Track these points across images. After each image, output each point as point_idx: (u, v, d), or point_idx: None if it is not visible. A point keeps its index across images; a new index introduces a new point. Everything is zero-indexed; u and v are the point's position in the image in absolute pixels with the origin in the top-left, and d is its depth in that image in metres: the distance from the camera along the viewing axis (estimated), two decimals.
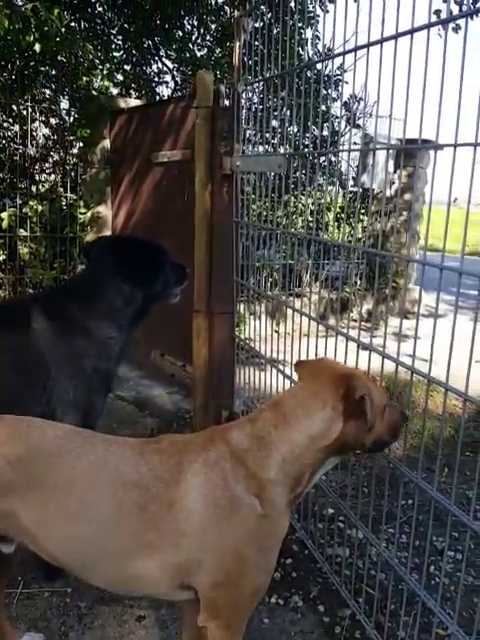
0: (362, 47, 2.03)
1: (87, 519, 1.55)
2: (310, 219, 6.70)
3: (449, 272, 1.71)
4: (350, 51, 2.12)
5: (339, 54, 2.29)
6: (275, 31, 2.65)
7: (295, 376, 1.91)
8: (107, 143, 5.16)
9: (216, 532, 1.52)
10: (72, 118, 5.55)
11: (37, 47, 4.01)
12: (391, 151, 6.74)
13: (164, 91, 7.40)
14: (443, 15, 2.01)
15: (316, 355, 2.42)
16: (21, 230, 5.21)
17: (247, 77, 2.86)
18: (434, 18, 1.73)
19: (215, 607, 1.56)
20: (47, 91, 5.79)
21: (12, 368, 2.40)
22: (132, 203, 4.65)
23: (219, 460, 1.56)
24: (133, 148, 4.56)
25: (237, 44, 2.87)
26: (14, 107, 5.36)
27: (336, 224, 7.74)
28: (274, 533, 1.61)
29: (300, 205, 6.85)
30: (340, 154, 7.50)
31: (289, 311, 2.99)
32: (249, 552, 1.55)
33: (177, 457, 1.58)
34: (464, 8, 6.41)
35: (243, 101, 3.00)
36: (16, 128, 5.46)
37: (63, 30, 4.23)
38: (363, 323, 7.85)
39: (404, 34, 1.78)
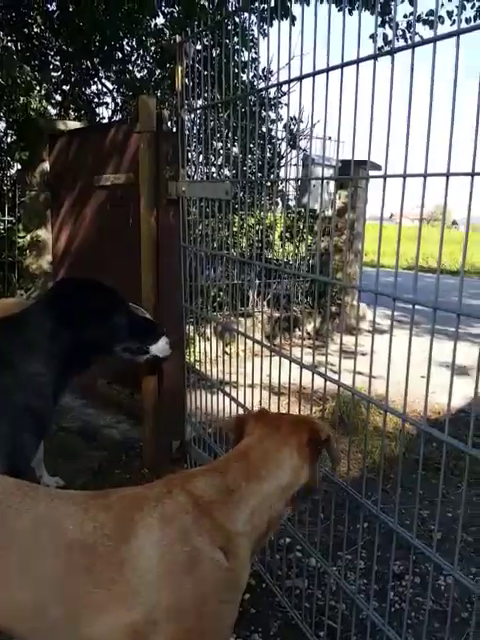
0: (295, 79, 2.08)
1: (29, 583, 1.42)
2: (256, 239, 6.74)
3: (388, 286, 1.74)
4: (286, 82, 2.18)
5: (275, 85, 2.33)
6: (215, 54, 2.63)
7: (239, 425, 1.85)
8: (46, 165, 5.02)
9: (174, 590, 1.42)
10: (9, 139, 5.40)
11: None
12: (334, 172, 6.88)
13: (104, 112, 7.34)
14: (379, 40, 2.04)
15: (263, 374, 2.40)
16: None
17: (191, 103, 2.82)
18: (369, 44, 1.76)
19: None
20: None
21: None
22: (74, 227, 4.52)
23: (178, 513, 1.46)
24: (74, 171, 4.44)
25: (179, 69, 2.83)
26: None
27: (281, 243, 7.78)
28: (238, 586, 1.54)
29: (246, 225, 6.86)
30: (283, 176, 7.60)
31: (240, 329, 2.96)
32: (211, 608, 1.45)
33: (127, 513, 1.47)
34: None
35: (186, 124, 2.96)
36: None
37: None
38: (311, 341, 7.92)
39: (335, 68, 1.87)
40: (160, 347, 2.85)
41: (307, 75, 2.01)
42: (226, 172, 6.06)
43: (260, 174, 4.45)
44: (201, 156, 3.35)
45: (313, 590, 2.35)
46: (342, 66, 1.83)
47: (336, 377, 2.00)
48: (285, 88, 6.17)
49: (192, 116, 2.95)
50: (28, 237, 5.16)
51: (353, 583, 2.19)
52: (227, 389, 2.85)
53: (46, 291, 2.61)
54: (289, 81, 2.17)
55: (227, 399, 2.85)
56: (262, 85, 2.59)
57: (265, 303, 7.72)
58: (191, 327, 4.76)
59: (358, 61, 1.76)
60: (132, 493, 1.57)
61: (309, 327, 8.09)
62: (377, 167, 7.98)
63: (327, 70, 1.89)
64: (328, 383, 2.09)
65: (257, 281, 7.65)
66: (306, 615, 2.37)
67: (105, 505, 1.51)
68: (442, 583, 2.78)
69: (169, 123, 2.98)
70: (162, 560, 1.42)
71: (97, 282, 2.55)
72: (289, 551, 2.91)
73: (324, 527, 2.33)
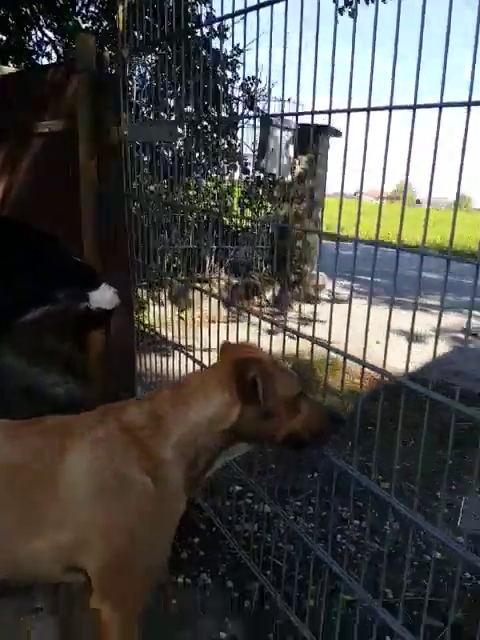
0: (239, 13, 1.99)
1: None
2: (213, 203, 6.66)
3: (348, 258, 1.70)
4: (229, 16, 2.07)
5: (217, 20, 2.23)
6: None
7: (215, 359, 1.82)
8: None
9: (104, 512, 1.43)
10: None
11: None
12: (292, 136, 6.82)
13: (45, 62, 7.01)
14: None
15: (221, 339, 2.34)
16: None
17: (132, 42, 2.73)
18: None
19: (106, 589, 1.47)
20: None
21: None
22: (11, 177, 4.33)
23: (108, 437, 1.47)
24: (9, 118, 4.25)
25: (121, 7, 2.74)
26: None
27: (239, 208, 7.74)
28: (168, 514, 1.53)
29: (202, 188, 6.78)
30: (240, 137, 7.51)
31: (195, 296, 2.89)
32: (141, 532, 1.46)
33: (61, 437, 1.48)
34: None
35: (130, 68, 2.87)
36: None
37: None
38: (270, 308, 7.93)
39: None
40: (105, 297, 2.76)
41: (250, 8, 1.90)
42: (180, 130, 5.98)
43: (215, 135, 4.38)
44: (146, 109, 3.28)
45: (262, 534, 2.36)
46: None
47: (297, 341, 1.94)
48: (242, 46, 6.11)
49: (141, 69, 2.86)
50: None
51: (302, 526, 2.20)
52: (179, 354, 2.79)
53: None
54: (233, 15, 2.05)
55: (179, 362, 2.79)
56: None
57: (223, 270, 7.69)
58: (144, 291, 4.70)
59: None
60: (65, 420, 1.57)
61: (268, 294, 8.10)
62: (338, 133, 7.96)
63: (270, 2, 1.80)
64: (286, 346, 2.02)
65: (214, 247, 7.62)
66: (254, 556, 2.38)
67: (38, 430, 1.52)
68: (387, 528, 2.83)
69: (111, 66, 2.90)
70: (92, 483, 1.43)
71: (22, 222, 2.43)
72: (240, 498, 2.93)
73: (274, 476, 2.35)
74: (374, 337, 1.75)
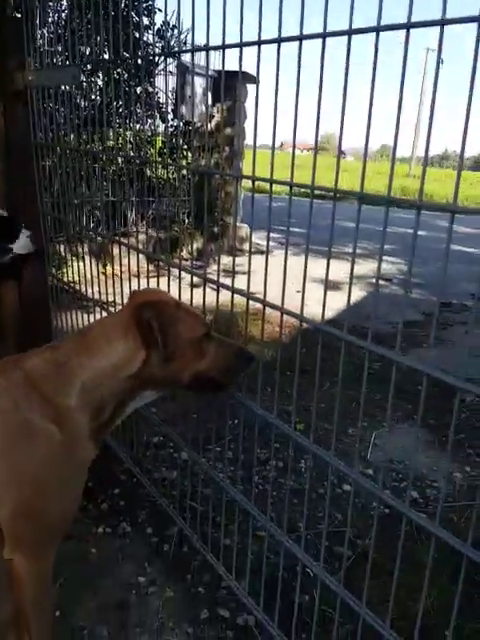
0: None
1: None
2: (132, 154, 6.52)
3: (275, 212, 1.70)
4: None
5: None
6: None
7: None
8: None
9: (9, 461, 1.43)
10: None
11: None
12: (209, 83, 6.69)
13: None
14: None
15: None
16: None
17: None
18: None
19: (17, 538, 1.48)
20: None
21: None
22: None
23: (10, 386, 1.46)
24: None
25: None
26: None
27: (160, 159, 7.59)
28: (76, 461, 1.53)
29: (120, 139, 6.59)
30: (158, 85, 7.32)
31: (116, 252, 2.85)
32: (49, 480, 1.47)
33: None
34: None
35: (40, 12, 2.73)
36: None
37: None
38: (193, 262, 7.91)
39: None
40: (22, 243, 2.71)
41: None
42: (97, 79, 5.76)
43: (133, 83, 4.25)
44: (60, 57, 3.15)
45: (181, 480, 2.42)
46: None
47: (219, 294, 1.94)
48: None
49: (52, 15, 2.72)
50: None
51: (221, 471, 2.27)
52: (101, 310, 2.77)
53: None
54: None
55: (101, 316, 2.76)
56: None
57: (144, 223, 7.58)
58: (63, 247, 4.59)
59: None
60: None
61: (192, 247, 8.07)
62: (253, 79, 7.89)
63: None
64: (210, 298, 2.01)
65: (134, 199, 7.49)
66: (173, 503, 2.45)
67: None
68: (302, 466, 2.97)
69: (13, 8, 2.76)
70: None
71: None
72: (161, 448, 2.99)
73: (196, 425, 2.40)
74: (295, 287, 1.80)
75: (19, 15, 2.73)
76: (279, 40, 1.44)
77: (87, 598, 2.10)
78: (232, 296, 1.92)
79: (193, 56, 1.98)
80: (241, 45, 1.59)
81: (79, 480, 1.57)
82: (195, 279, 2.13)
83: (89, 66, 2.44)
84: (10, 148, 2.81)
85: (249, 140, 8.84)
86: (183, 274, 2.19)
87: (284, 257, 1.67)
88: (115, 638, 1.95)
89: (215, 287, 1.95)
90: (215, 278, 2.00)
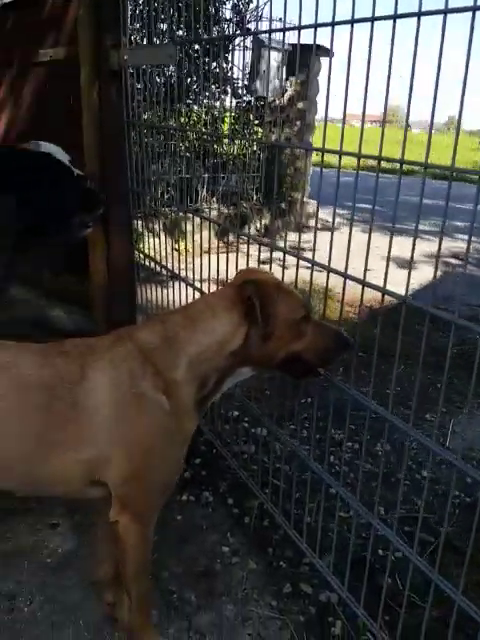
0: None
1: None
2: (204, 130, 6.56)
3: (343, 187, 1.72)
4: None
5: None
6: None
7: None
8: None
9: (123, 428, 1.53)
10: None
11: None
12: (283, 57, 6.63)
13: None
14: None
15: (217, 270, 2.38)
16: None
17: None
18: None
19: (125, 501, 1.58)
20: None
21: None
22: (14, 108, 4.29)
23: (126, 358, 1.55)
24: (11, 48, 4.17)
25: None
26: None
27: (231, 135, 7.59)
28: (181, 431, 1.62)
29: (194, 116, 6.63)
30: (232, 60, 7.30)
31: (189, 227, 2.93)
32: (157, 447, 1.56)
33: (81, 358, 1.56)
34: None
35: None
36: None
37: None
38: (261, 238, 7.93)
39: None
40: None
41: None
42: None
43: (207, 59, 4.27)
44: (145, 40, 3.19)
45: (260, 455, 2.49)
46: None
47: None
48: None
49: None
50: None
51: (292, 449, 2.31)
52: (178, 284, 2.85)
53: None
54: None
55: (177, 293, 2.85)
56: None
57: (214, 199, 7.62)
58: (139, 222, 4.70)
59: None
60: (85, 341, 1.64)
61: (260, 224, 8.07)
62: (327, 52, 7.76)
63: None
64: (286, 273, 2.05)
65: (206, 176, 7.53)
66: (253, 476, 2.52)
67: (61, 351, 1.58)
68: (379, 449, 2.98)
69: None
70: (112, 400, 1.51)
71: (40, 152, 2.44)
72: (237, 422, 3.06)
73: (270, 402, 2.46)
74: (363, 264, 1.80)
75: None
76: (352, 21, 1.55)
77: (173, 563, 2.21)
78: (312, 272, 1.95)
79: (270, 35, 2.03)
80: (316, 26, 1.70)
81: (183, 449, 1.66)
82: (263, 256, 2.16)
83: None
84: (103, 126, 2.89)
85: (320, 114, 8.75)
86: (251, 251, 2.23)
87: (349, 233, 1.68)
88: (202, 604, 2.05)
89: (286, 263, 1.98)
90: (280, 255, 2.03)
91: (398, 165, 1.54)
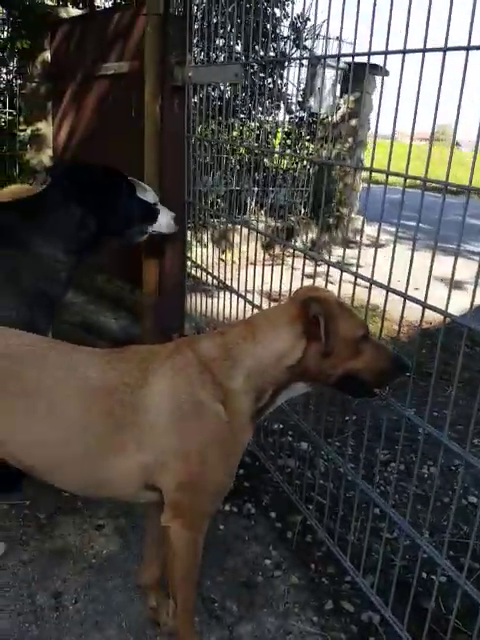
0: None
1: (55, 423, 1.57)
2: (255, 144, 6.63)
3: (390, 203, 1.76)
4: None
5: None
6: None
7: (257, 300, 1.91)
8: (48, 55, 4.86)
9: (181, 435, 1.57)
10: (8, 31, 5.17)
11: None
12: (338, 75, 6.67)
13: (103, 4, 6.98)
14: None
15: (261, 282, 2.42)
16: None
17: None
18: None
19: (178, 507, 1.61)
20: None
21: None
22: (75, 119, 4.44)
23: (185, 367, 1.59)
24: (76, 61, 4.31)
25: None
26: None
27: (281, 150, 7.64)
28: (237, 441, 1.65)
29: (245, 129, 6.70)
30: (286, 77, 7.36)
31: (236, 238, 3.01)
32: (212, 455, 1.60)
33: (143, 364, 1.61)
34: None
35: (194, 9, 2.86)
36: None
37: None
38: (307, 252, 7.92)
39: None
40: (164, 222, 2.87)
41: None
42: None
43: (262, 75, 4.32)
44: (202, 54, 3.27)
45: (303, 470, 2.50)
46: None
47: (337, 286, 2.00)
48: None
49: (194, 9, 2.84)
50: (28, 130, 5.06)
51: (340, 466, 2.32)
52: (224, 294, 2.90)
53: (58, 176, 2.57)
54: None
55: (223, 302, 2.90)
56: None
57: (263, 212, 7.67)
58: (189, 232, 4.79)
59: None
60: (147, 348, 1.70)
61: (307, 238, 8.08)
62: (385, 72, 7.77)
63: None
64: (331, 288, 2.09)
65: (255, 189, 7.58)
66: (296, 491, 2.53)
67: (124, 357, 1.64)
68: (425, 471, 2.96)
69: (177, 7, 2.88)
70: (171, 407, 1.56)
71: (105, 166, 2.54)
72: (281, 435, 3.07)
73: (314, 417, 2.47)
74: (412, 284, 1.81)
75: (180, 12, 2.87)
76: (403, 52, 1.65)
77: (215, 572, 2.23)
78: (370, 289, 1.95)
79: (325, 49, 2.08)
80: (369, 54, 1.79)
81: (237, 458, 1.69)
82: (309, 270, 2.18)
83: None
84: (164, 140, 2.97)
85: (372, 130, 8.73)
86: (297, 264, 2.25)
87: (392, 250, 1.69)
88: (243, 615, 2.06)
89: (330, 278, 2.01)
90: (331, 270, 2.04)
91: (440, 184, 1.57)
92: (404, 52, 1.65)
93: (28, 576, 2.14)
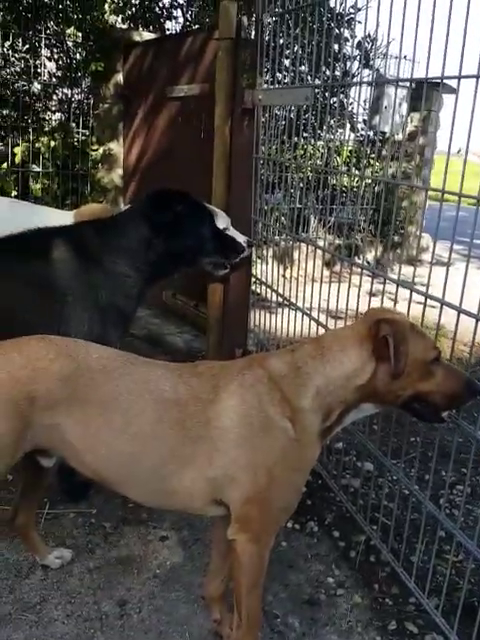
0: None
1: (129, 433, 1.62)
2: (319, 163, 6.66)
3: (460, 222, 1.75)
4: None
5: None
6: None
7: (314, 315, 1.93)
8: (120, 77, 5.05)
9: (249, 450, 1.59)
10: (83, 52, 5.41)
11: None
12: (407, 94, 6.64)
13: (173, 26, 7.19)
14: None
15: (323, 298, 2.43)
16: (33, 165, 5.16)
17: (273, 7, 2.78)
18: None
19: (245, 521, 1.64)
20: (56, 25, 5.61)
21: (30, 295, 2.42)
22: (145, 139, 4.59)
23: (255, 383, 1.62)
24: (148, 82, 4.47)
25: None
26: (22, 41, 5.23)
27: (346, 168, 7.65)
28: (304, 458, 1.67)
29: (310, 148, 6.73)
30: (352, 95, 7.37)
31: (298, 256, 3.05)
32: (280, 471, 1.61)
33: (215, 379, 1.65)
34: None
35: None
36: (22, 64, 5.34)
37: None
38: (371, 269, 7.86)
39: None
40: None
41: None
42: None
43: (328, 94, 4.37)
44: (268, 74, 3.34)
45: (367, 490, 2.48)
46: None
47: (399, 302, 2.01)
48: (359, 4, 6.00)
49: (270, 22, 2.90)
50: (100, 150, 5.25)
51: (406, 488, 2.29)
52: (286, 311, 2.92)
53: (140, 199, 2.68)
54: None
55: (285, 319, 2.92)
56: None
57: (325, 230, 7.66)
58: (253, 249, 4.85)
59: None
60: (219, 364, 1.74)
61: (370, 256, 8.04)
62: (452, 90, 7.68)
63: None
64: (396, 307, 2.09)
65: (319, 206, 7.59)
66: (360, 510, 2.52)
67: (196, 372, 1.69)
68: None
69: (248, 31, 2.96)
70: (241, 422, 1.59)
71: (189, 195, 2.62)
72: (345, 454, 3.06)
73: (382, 436, 2.45)
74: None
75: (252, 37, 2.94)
76: (477, 76, 1.65)
77: (278, 588, 2.23)
78: (441, 308, 1.94)
79: (398, 68, 2.09)
80: (442, 78, 1.81)
81: (304, 475, 1.72)
82: (371, 287, 2.18)
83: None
84: (232, 161, 3.04)
85: (439, 148, 8.64)
86: (358, 281, 2.25)
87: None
88: (305, 631, 2.06)
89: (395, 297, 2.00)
90: (390, 288, 2.04)
91: None
92: (477, 77, 1.65)
93: (94, 583, 2.19)
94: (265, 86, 2.96)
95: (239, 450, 1.59)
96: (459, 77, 1.74)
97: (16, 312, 2.36)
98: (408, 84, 5.51)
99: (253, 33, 2.92)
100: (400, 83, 5.65)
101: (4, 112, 5.35)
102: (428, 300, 1.97)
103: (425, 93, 6.74)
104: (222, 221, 2.95)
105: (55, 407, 1.63)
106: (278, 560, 2.36)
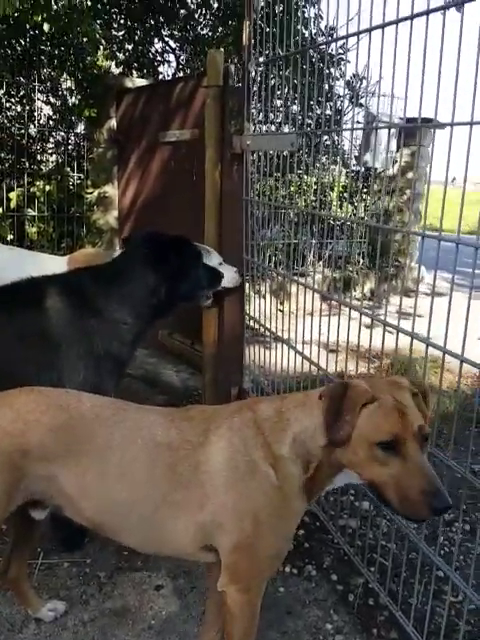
0: (364, 31, 2.14)
1: (124, 481, 1.63)
2: (313, 198, 6.74)
3: (449, 251, 1.78)
4: (352, 34, 2.25)
5: (342, 37, 2.37)
6: (279, 10, 2.68)
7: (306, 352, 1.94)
8: (113, 122, 5.16)
9: (236, 494, 1.59)
10: (77, 98, 5.52)
11: (46, 27, 4.01)
12: (393, 130, 6.75)
13: (166, 71, 7.37)
14: None
15: (319, 332, 2.43)
16: (29, 210, 5.23)
17: (257, 58, 2.87)
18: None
19: (234, 570, 1.63)
20: (51, 71, 5.75)
21: (23, 345, 2.42)
22: (139, 183, 4.67)
23: (242, 427, 1.63)
24: (140, 127, 4.57)
25: (247, 23, 2.88)
26: (17, 87, 5.35)
27: (339, 203, 7.75)
28: (288, 507, 1.64)
29: (304, 185, 6.84)
30: (343, 133, 7.51)
31: (293, 290, 3.08)
32: (265, 517, 1.60)
33: (206, 423, 1.66)
34: None
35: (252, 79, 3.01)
36: (18, 108, 5.45)
37: (68, 10, 4.22)
38: (366, 302, 7.92)
39: (404, 20, 1.91)
40: (229, 277, 3.00)
41: (375, 27, 2.03)
42: (286, 129, 6.08)
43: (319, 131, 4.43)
44: (261, 114, 3.42)
45: (365, 530, 2.46)
46: (411, 17, 1.84)
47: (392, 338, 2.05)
48: (349, 43, 6.14)
49: (256, 72, 2.99)
50: (95, 193, 5.34)
51: (403, 527, 2.28)
52: (282, 346, 2.94)
53: (135, 244, 2.70)
54: (351, 35, 2.25)
55: (280, 354, 2.94)
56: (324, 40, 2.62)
57: (321, 263, 7.73)
58: (247, 285, 4.90)
59: (428, 12, 1.78)
60: (210, 408, 1.76)
61: (365, 288, 8.09)
62: (442, 127, 7.81)
63: (396, 22, 1.92)
64: (385, 341, 2.13)
65: (313, 241, 7.67)
66: (357, 552, 2.49)
67: (187, 416, 1.71)
68: None
69: (235, 78, 3.04)
70: (227, 465, 1.59)
71: (184, 238, 2.67)
72: (342, 494, 3.04)
73: None
74: (475, 333, 1.80)
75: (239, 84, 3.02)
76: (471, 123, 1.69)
77: (276, 636, 2.20)
78: (411, 342, 1.98)
79: (391, 108, 2.13)
80: (452, 124, 1.79)
81: (291, 525, 1.70)
82: (368, 320, 2.21)
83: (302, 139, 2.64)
84: (223, 204, 3.09)
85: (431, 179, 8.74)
86: (355, 315, 2.28)
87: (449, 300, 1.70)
88: None
89: (390, 330, 2.03)
90: (389, 319, 2.07)
91: None
92: (471, 124, 1.69)
93: (88, 636, 2.16)
94: (253, 130, 3.02)
95: (226, 494, 1.59)
96: (451, 125, 1.76)
97: (11, 365, 2.37)
98: (398, 122, 5.64)
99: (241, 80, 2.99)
100: (387, 121, 5.76)
101: (1, 155, 5.44)
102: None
103: (419, 133, 6.86)
104: (214, 258, 2.99)
105: (49, 458, 1.64)
106: (276, 606, 2.34)
